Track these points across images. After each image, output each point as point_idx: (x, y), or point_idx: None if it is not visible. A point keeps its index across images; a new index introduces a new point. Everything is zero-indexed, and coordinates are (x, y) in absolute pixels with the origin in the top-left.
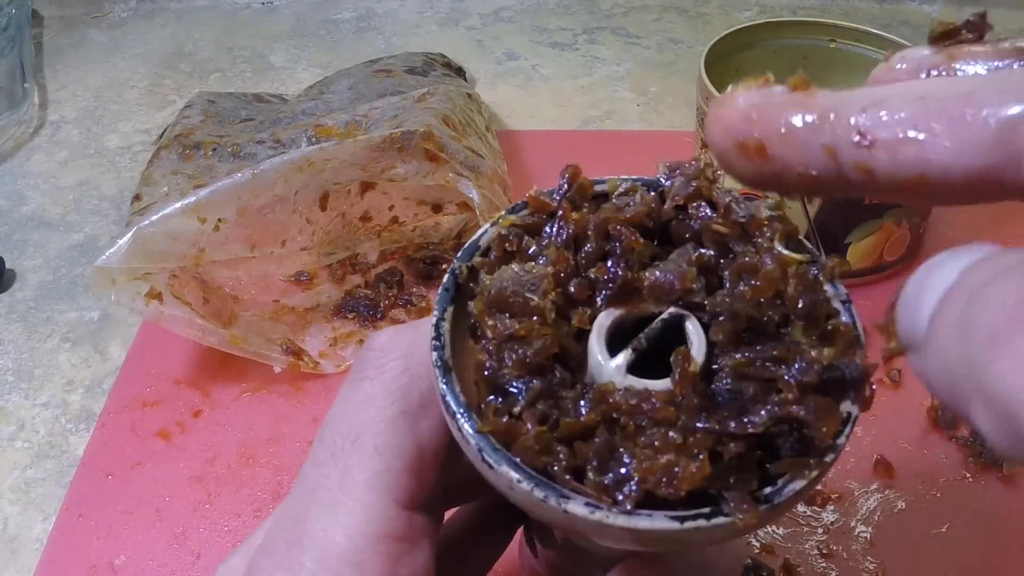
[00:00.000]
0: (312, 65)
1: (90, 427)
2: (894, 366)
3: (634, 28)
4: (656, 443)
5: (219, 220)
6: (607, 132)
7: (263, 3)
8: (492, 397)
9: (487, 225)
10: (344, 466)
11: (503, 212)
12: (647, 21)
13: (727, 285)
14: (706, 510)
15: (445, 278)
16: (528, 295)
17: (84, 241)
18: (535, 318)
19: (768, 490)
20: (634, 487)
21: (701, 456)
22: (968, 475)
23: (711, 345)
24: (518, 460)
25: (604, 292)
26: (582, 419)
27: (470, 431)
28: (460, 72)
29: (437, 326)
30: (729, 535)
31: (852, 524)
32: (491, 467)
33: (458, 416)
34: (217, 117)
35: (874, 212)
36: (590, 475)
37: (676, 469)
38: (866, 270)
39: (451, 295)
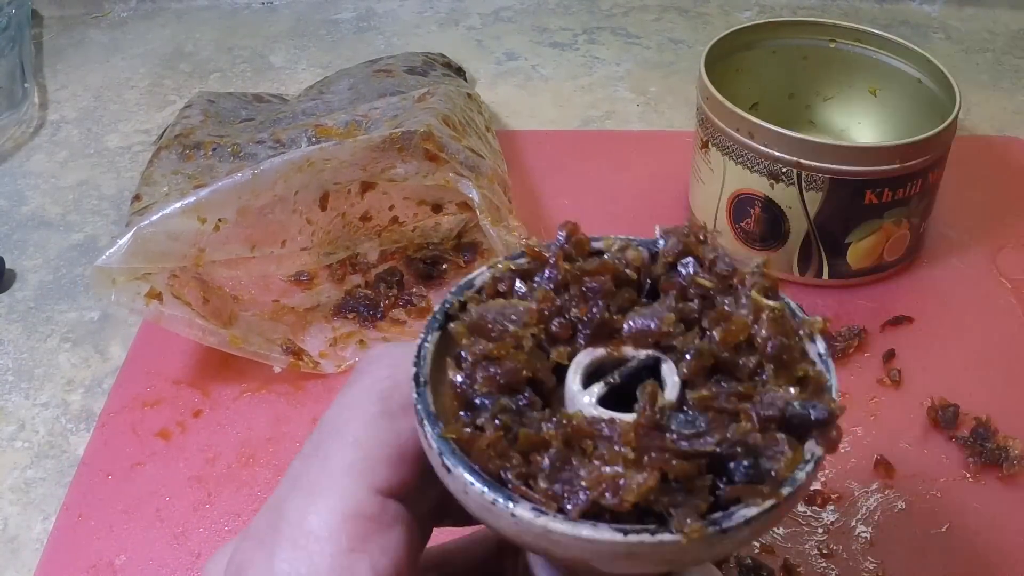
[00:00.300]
0: (312, 65)
1: (90, 427)
2: (894, 366)
3: (634, 28)
4: (606, 455)
5: (219, 220)
6: (607, 132)
7: (263, 3)
8: (463, 413)
9: (483, 268)
10: (324, 456)
11: (500, 258)
12: (647, 21)
13: (706, 334)
14: (652, 526)
15: (436, 309)
16: (508, 324)
17: (84, 241)
18: (511, 341)
19: (719, 514)
20: (582, 497)
21: (650, 471)
22: (968, 475)
23: (685, 388)
24: (475, 466)
25: (584, 331)
26: (542, 433)
27: (433, 436)
28: (460, 72)
29: (420, 346)
30: (678, 557)
31: (852, 524)
32: (449, 471)
33: (424, 423)
34: (217, 117)
35: (874, 212)
36: (541, 482)
37: (622, 480)
38: (866, 270)
39: (438, 324)
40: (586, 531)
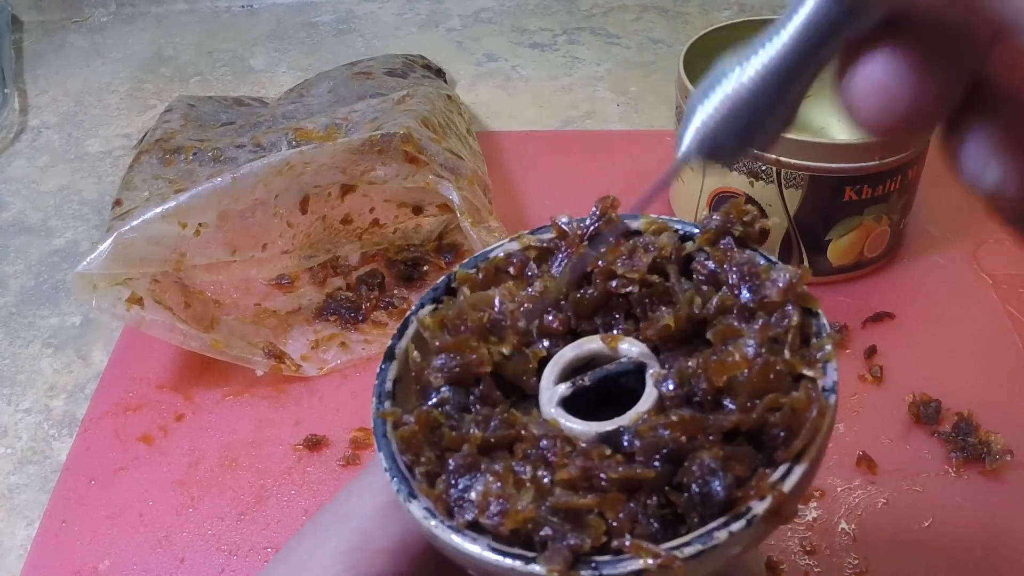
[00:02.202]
0: (292, 68)
1: (73, 432)
2: (875, 362)
3: (614, 28)
4: (501, 471)
5: (200, 225)
6: (587, 132)
7: (243, 6)
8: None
9: (505, 240)
10: (321, 537)
11: (526, 232)
12: (627, 21)
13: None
14: (529, 554)
15: (440, 280)
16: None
17: (65, 246)
18: (467, 335)
19: (605, 558)
20: (472, 511)
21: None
22: (950, 470)
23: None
24: (396, 453)
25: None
26: (466, 435)
27: (375, 411)
28: (440, 74)
29: (407, 318)
30: None
31: (835, 520)
32: (379, 448)
33: (374, 399)
34: (197, 121)
35: (854, 209)
36: (439, 485)
37: (505, 502)
38: (847, 267)
39: (435, 295)
40: (465, 544)
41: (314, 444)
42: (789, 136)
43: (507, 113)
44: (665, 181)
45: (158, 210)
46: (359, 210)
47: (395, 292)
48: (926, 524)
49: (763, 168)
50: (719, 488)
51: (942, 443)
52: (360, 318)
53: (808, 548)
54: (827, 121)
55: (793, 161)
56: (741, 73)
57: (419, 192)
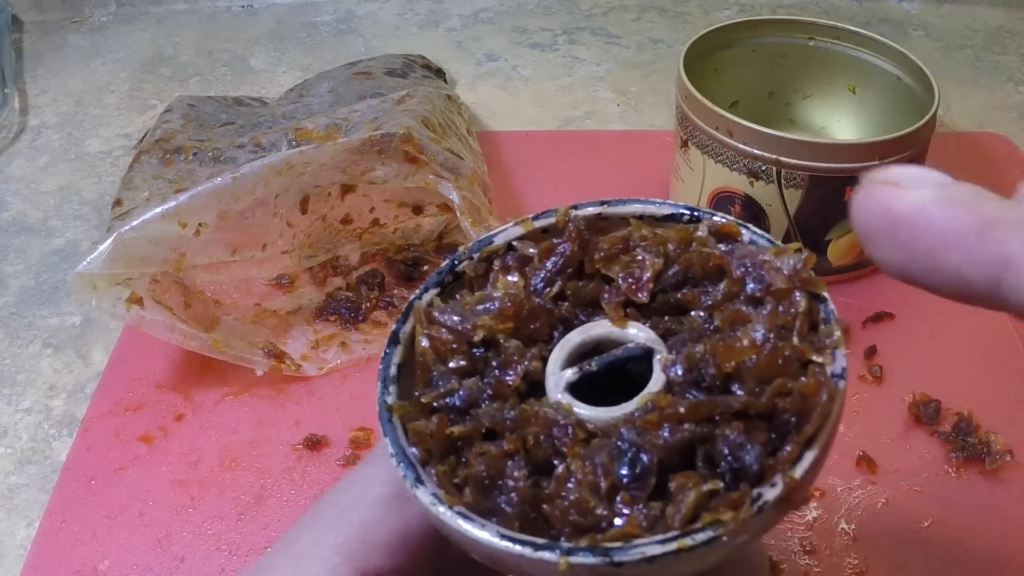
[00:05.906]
0: (292, 68)
1: (73, 432)
2: (875, 362)
3: (614, 28)
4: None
5: (200, 224)
6: (587, 132)
7: (243, 6)
8: (424, 387)
9: (511, 224)
10: (321, 529)
11: (529, 216)
12: (627, 21)
13: (711, 324)
14: (539, 541)
15: (444, 263)
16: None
17: (65, 246)
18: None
19: (616, 545)
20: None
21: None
22: (950, 470)
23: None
24: (403, 441)
25: (580, 314)
26: (498, 421)
27: (380, 398)
28: (440, 74)
29: (411, 302)
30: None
31: (835, 520)
32: (384, 434)
33: (379, 384)
34: (197, 121)
35: None
36: (442, 466)
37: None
38: (847, 267)
39: (440, 279)
40: (474, 531)
41: (314, 444)
42: (789, 136)
43: (507, 113)
44: None
45: (158, 210)
46: (359, 210)
47: (395, 292)
48: (926, 524)
49: (763, 168)
50: (751, 460)
51: (942, 443)
52: (360, 318)
53: (808, 548)
54: (828, 121)
55: (793, 161)
56: None
57: (419, 192)
